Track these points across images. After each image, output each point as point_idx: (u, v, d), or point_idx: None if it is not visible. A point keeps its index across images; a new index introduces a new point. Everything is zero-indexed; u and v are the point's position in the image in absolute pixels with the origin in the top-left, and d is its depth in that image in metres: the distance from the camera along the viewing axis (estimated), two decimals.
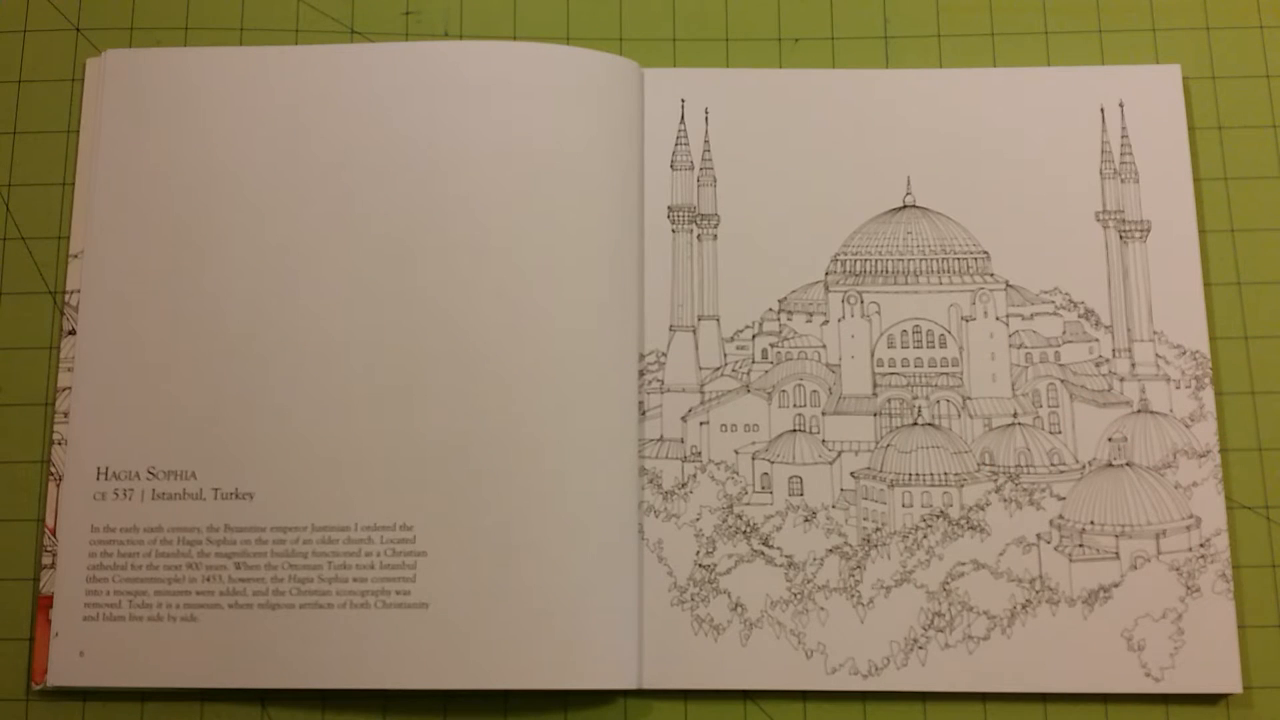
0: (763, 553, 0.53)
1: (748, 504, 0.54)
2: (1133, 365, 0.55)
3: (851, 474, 0.54)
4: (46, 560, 0.53)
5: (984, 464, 0.54)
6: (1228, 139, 0.58)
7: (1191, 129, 0.58)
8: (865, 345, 0.56)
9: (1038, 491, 0.53)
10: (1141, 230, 0.55)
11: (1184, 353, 0.54)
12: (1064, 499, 0.53)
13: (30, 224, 0.57)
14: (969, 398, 0.55)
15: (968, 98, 0.58)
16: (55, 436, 0.54)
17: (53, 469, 0.54)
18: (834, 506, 0.53)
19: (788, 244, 0.56)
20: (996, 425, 0.54)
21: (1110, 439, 0.54)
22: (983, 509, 0.53)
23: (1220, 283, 0.56)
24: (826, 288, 0.56)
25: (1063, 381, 0.55)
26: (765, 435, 0.55)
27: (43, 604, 0.53)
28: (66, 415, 0.54)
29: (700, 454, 0.54)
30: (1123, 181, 0.56)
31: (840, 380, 0.55)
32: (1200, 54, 0.59)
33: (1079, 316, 0.55)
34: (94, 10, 0.60)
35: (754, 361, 0.56)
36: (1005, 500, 0.53)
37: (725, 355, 0.56)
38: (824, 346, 0.56)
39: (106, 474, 0.53)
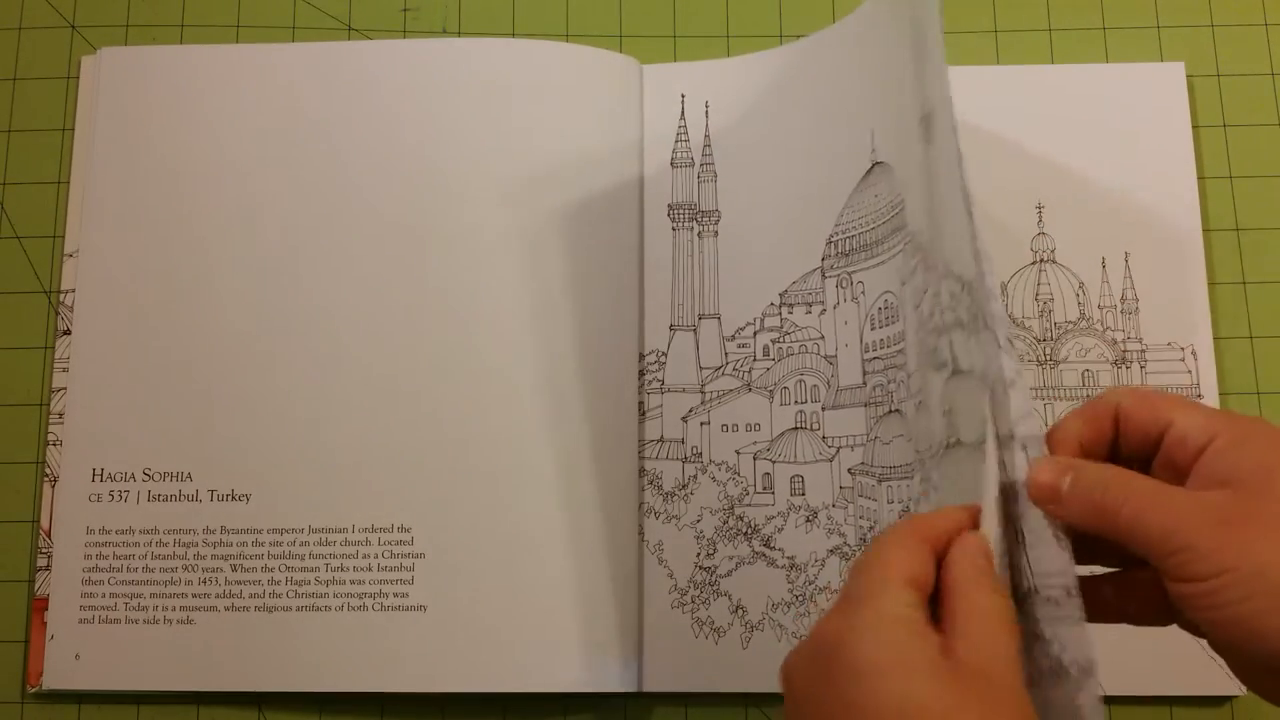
0: (764, 554, 0.53)
1: (749, 505, 0.53)
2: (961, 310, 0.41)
3: (849, 470, 0.53)
4: (42, 562, 0.53)
5: (915, 451, 0.47)
6: (1232, 137, 0.57)
7: (1195, 127, 0.57)
8: (855, 331, 0.53)
9: (927, 482, 0.45)
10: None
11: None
12: (939, 489, 0.43)
13: (25, 223, 0.57)
14: (910, 374, 0.49)
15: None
16: (50, 437, 0.54)
17: (48, 470, 0.54)
18: (834, 505, 0.52)
19: (787, 234, 0.55)
20: (913, 404, 0.48)
21: (946, 412, 0.42)
22: (917, 503, 0.47)
23: (1224, 282, 0.56)
24: (823, 274, 0.54)
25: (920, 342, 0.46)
26: (767, 434, 0.54)
27: (38, 606, 0.52)
28: (62, 416, 0.54)
29: (701, 455, 0.54)
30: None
31: (837, 372, 0.54)
32: (1204, 52, 0.59)
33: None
34: (90, 8, 0.60)
35: (755, 359, 0.55)
36: (924, 493, 0.46)
37: (726, 354, 0.55)
38: (822, 338, 0.54)
39: (102, 475, 0.53)
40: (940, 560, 0.34)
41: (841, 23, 0.55)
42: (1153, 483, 0.34)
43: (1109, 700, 0.51)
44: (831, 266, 0.54)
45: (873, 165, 0.52)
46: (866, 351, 0.53)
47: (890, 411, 0.51)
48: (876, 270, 0.52)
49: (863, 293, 0.53)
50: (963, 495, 0.38)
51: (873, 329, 0.52)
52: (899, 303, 0.50)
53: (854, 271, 0.53)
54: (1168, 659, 0.50)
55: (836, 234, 0.54)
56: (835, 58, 0.54)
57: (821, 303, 0.54)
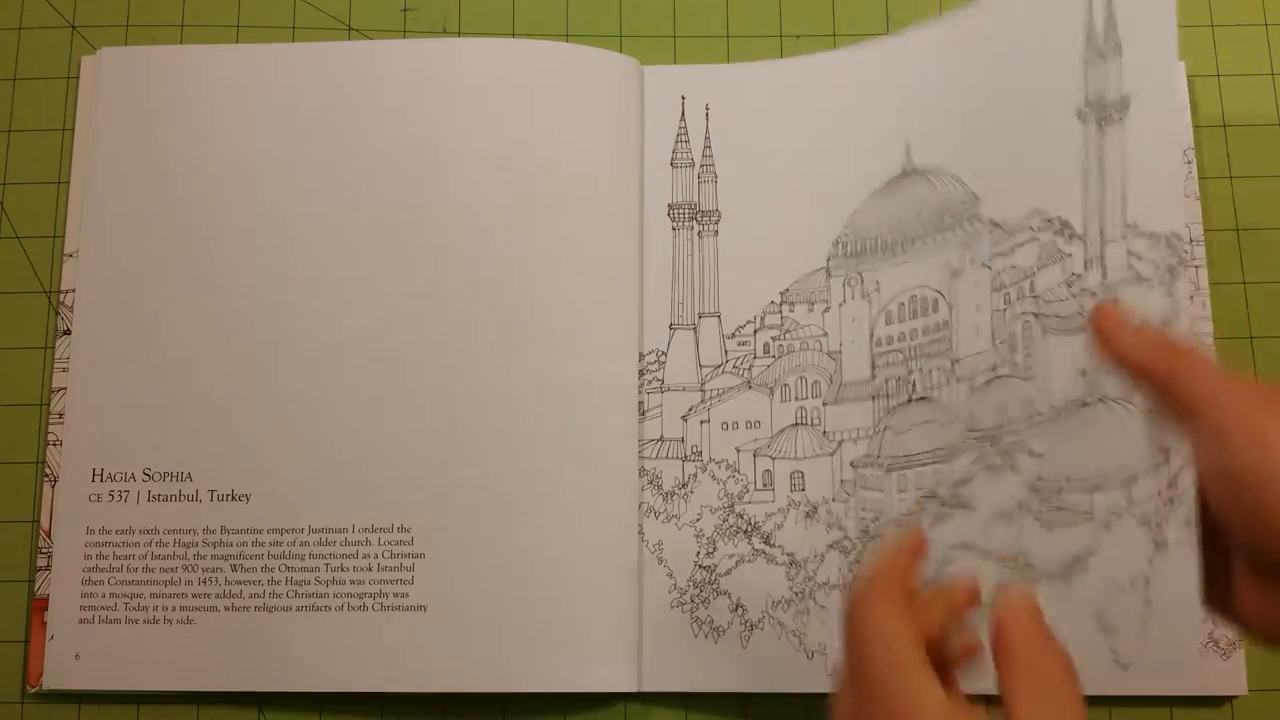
0: (764, 552, 0.53)
1: (749, 502, 0.53)
2: (1104, 274, 0.47)
3: (851, 463, 0.53)
4: (42, 562, 0.53)
5: (969, 430, 0.49)
6: (1232, 137, 0.57)
7: (1196, 127, 0.57)
8: (865, 327, 0.54)
9: (1016, 451, 0.48)
10: (1121, 109, 0.48)
11: (1157, 241, 0.45)
12: (1041, 456, 0.47)
13: (25, 223, 0.57)
14: (956, 360, 0.51)
15: (958, 39, 0.54)
16: (50, 437, 0.54)
17: (48, 470, 0.54)
18: (834, 500, 0.52)
19: (790, 234, 0.55)
20: (979, 383, 0.50)
21: (1084, 372, 0.47)
22: (968, 482, 0.49)
23: (1225, 282, 0.56)
24: (828, 274, 0.55)
25: (1036, 315, 0.49)
26: (767, 432, 0.54)
27: (38, 606, 0.52)
28: (62, 416, 0.54)
29: (701, 453, 0.54)
30: (1105, 60, 0.48)
31: (841, 367, 0.54)
32: (1204, 52, 0.59)
33: (1054, 234, 0.49)
34: (90, 8, 0.60)
35: (755, 357, 0.55)
36: (987, 468, 0.48)
37: (726, 352, 0.55)
38: (825, 334, 0.55)
39: (102, 475, 0.53)
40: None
41: (878, 41, 0.56)
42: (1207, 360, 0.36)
43: (1110, 701, 0.51)
44: (838, 266, 0.55)
45: (903, 173, 0.54)
46: (878, 346, 0.53)
47: (911, 400, 0.52)
48: (899, 269, 0.53)
49: (876, 290, 0.54)
50: (1082, 455, 0.44)
51: (888, 324, 0.53)
52: (946, 296, 0.52)
53: (865, 271, 0.54)
54: (1167, 659, 0.50)
55: (845, 236, 0.55)
56: (862, 76, 0.56)
57: (825, 301, 0.55)
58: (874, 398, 0.53)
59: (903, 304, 0.53)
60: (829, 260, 0.55)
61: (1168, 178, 0.46)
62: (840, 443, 0.53)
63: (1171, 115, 0.48)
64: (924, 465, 0.51)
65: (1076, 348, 0.47)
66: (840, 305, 0.55)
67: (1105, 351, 0.38)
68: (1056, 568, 0.46)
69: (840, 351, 0.54)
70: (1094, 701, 0.52)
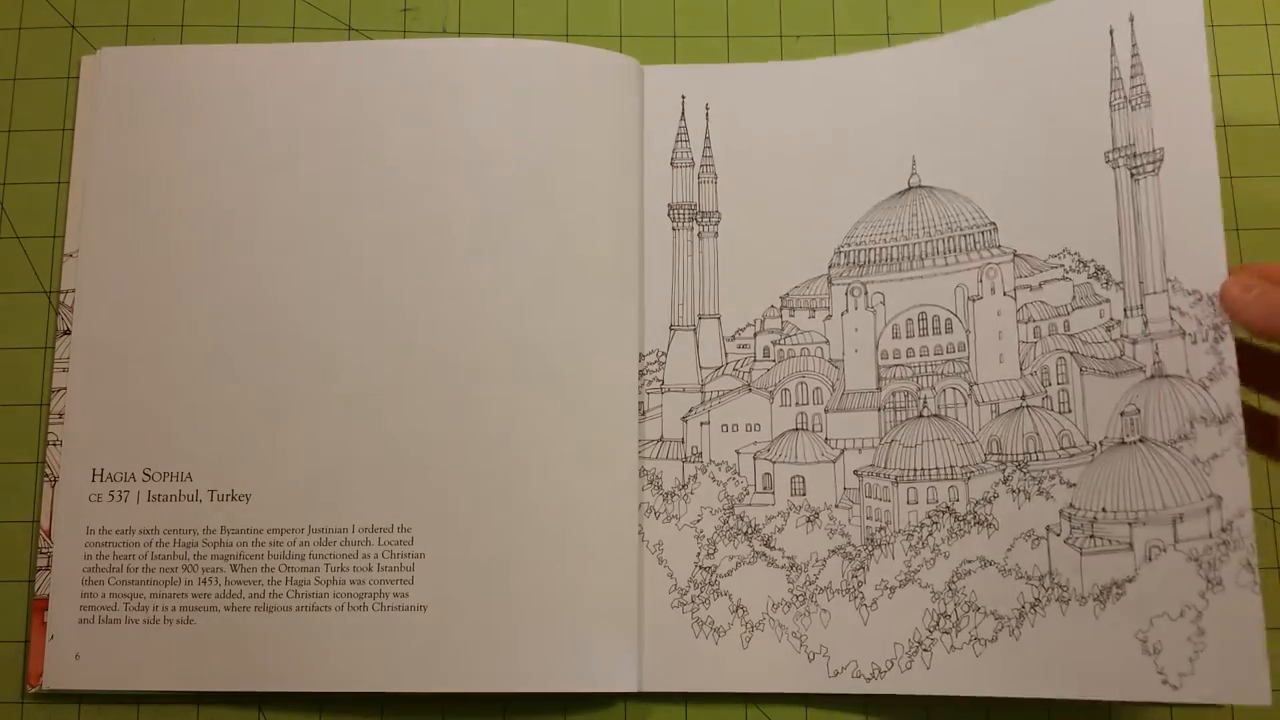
0: (764, 554, 0.53)
1: (749, 505, 0.53)
2: (1145, 324, 0.48)
3: (855, 472, 0.53)
4: (42, 562, 0.53)
5: (991, 453, 0.51)
6: (1232, 137, 0.57)
7: None
8: (869, 338, 0.54)
9: (1046, 479, 0.49)
10: (1154, 162, 0.49)
11: (1200, 299, 0.47)
12: (1074, 485, 0.48)
13: (25, 223, 0.57)
14: (976, 383, 0.52)
15: (970, 58, 0.54)
16: (50, 437, 0.54)
17: (48, 470, 0.54)
18: (837, 506, 0.53)
19: (790, 239, 0.55)
20: (1004, 410, 0.51)
21: (1122, 413, 0.48)
22: (990, 502, 0.50)
23: None
24: (830, 281, 0.55)
25: (1072, 354, 0.50)
26: (767, 435, 0.54)
27: (38, 606, 0.52)
28: (61, 416, 0.54)
29: (701, 454, 0.54)
30: (1134, 109, 0.50)
31: (844, 376, 0.54)
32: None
33: (1089, 277, 0.50)
34: (90, 8, 0.60)
35: (755, 360, 0.55)
36: (1013, 491, 0.50)
37: (726, 354, 0.55)
38: (827, 342, 0.55)
39: (102, 475, 0.53)
40: None
41: (884, 51, 0.56)
42: None
43: (1111, 706, 0.51)
44: (841, 275, 0.55)
45: (910, 187, 0.54)
46: (884, 358, 0.54)
47: (923, 416, 0.52)
48: (905, 284, 0.54)
49: (881, 302, 0.54)
50: (1121, 490, 0.47)
51: (895, 338, 0.54)
52: (960, 319, 0.53)
53: (869, 282, 0.54)
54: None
55: (848, 245, 0.55)
56: (867, 84, 0.56)
57: (827, 308, 0.55)
58: (879, 409, 0.53)
59: (910, 320, 0.54)
60: (830, 268, 0.55)
61: (1207, 235, 0.47)
62: (843, 450, 0.53)
63: (1207, 171, 0.48)
64: (937, 481, 0.51)
65: (1117, 391, 0.49)
66: (842, 314, 0.55)
67: (1240, 321, 0.45)
68: (1091, 590, 0.47)
69: (843, 360, 0.54)
70: (1100, 705, 0.52)
